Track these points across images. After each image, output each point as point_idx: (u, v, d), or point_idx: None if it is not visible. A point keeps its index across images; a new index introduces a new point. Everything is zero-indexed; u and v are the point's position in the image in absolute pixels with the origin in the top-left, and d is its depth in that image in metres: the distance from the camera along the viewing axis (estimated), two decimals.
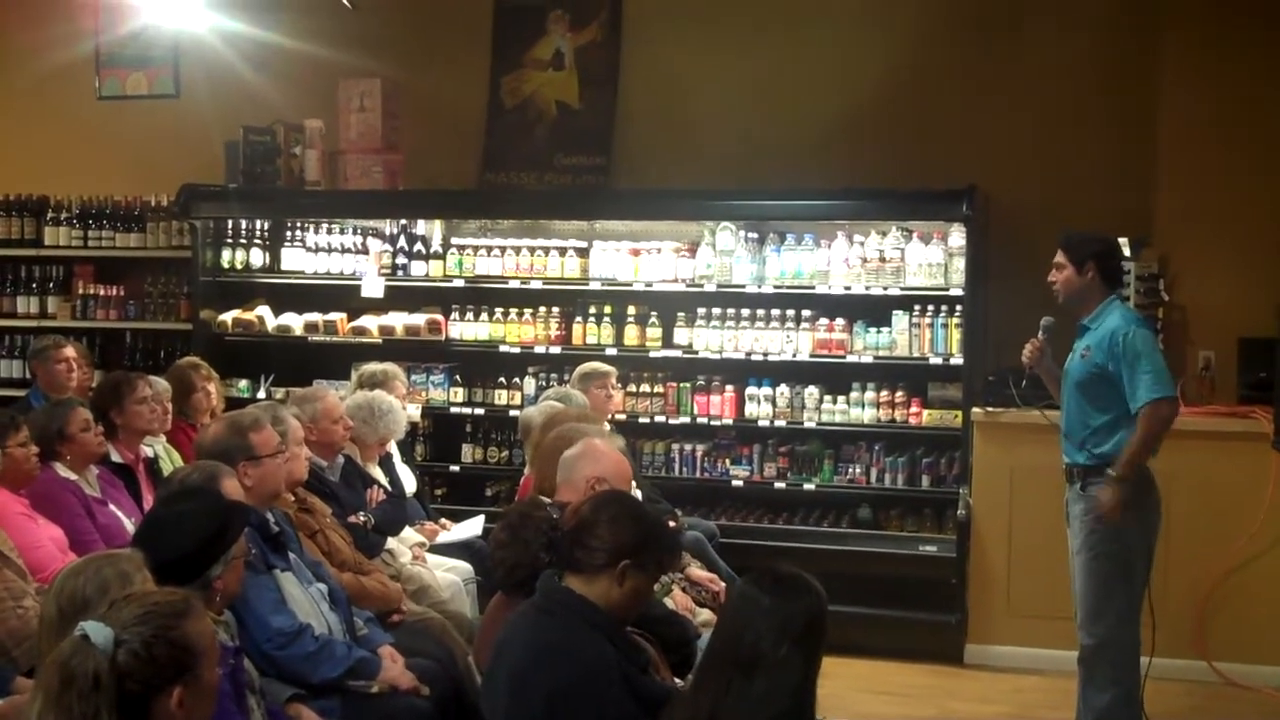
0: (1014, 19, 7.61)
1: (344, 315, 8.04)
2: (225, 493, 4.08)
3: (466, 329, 7.91)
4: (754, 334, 7.43)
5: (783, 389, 7.44)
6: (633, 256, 7.65)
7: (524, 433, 6.43)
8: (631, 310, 7.67)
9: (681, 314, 7.59)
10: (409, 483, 6.71)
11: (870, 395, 7.30)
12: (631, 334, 7.64)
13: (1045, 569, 6.27)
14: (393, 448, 6.62)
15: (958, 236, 7.12)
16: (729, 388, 7.54)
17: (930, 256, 7.18)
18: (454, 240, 8.03)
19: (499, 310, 7.88)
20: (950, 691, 6.56)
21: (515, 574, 4.06)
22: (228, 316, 8.08)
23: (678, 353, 7.59)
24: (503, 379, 7.88)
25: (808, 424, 7.39)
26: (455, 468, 7.97)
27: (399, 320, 7.98)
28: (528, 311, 7.84)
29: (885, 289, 7.22)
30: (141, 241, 8.60)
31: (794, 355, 7.39)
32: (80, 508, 5.23)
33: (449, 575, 6.01)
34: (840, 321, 7.33)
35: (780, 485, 7.46)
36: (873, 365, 7.31)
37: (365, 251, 8.09)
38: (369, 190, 8.21)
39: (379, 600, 5.13)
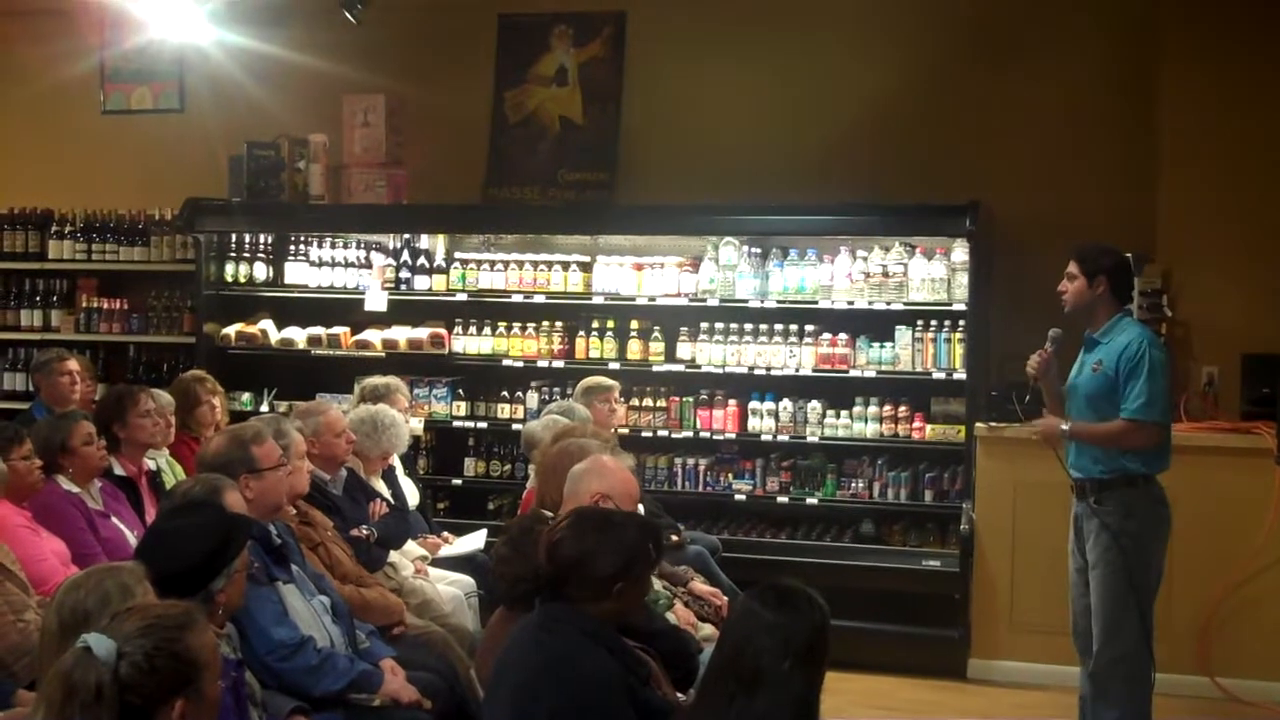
0: (1016, 36, 7.62)
1: (347, 329, 8.04)
2: (228, 505, 4.08)
3: (469, 343, 7.91)
4: (757, 348, 7.44)
5: (785, 403, 7.44)
6: (636, 271, 7.66)
7: (528, 447, 6.43)
8: (634, 325, 7.68)
9: (684, 328, 7.59)
10: (411, 496, 6.71)
11: (873, 410, 7.29)
12: (634, 348, 7.64)
13: (1048, 584, 6.25)
14: (395, 461, 6.62)
15: (960, 252, 7.12)
16: (732, 402, 7.54)
17: (933, 272, 7.19)
18: (457, 255, 8.04)
19: (502, 324, 7.88)
20: (954, 707, 6.54)
21: (517, 588, 4.05)
22: (231, 330, 8.10)
23: (680, 367, 7.59)
24: (505, 393, 7.89)
25: (810, 438, 7.39)
26: (457, 481, 7.96)
27: (402, 334, 7.99)
28: (531, 326, 7.85)
29: (888, 304, 7.23)
30: (145, 255, 8.62)
31: (797, 370, 7.39)
32: (83, 521, 5.23)
33: (451, 589, 6.01)
34: (843, 336, 7.33)
35: (783, 500, 7.46)
36: (876, 380, 7.31)
37: (369, 266, 8.10)
38: (373, 205, 8.22)
39: (381, 613, 5.13)
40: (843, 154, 7.72)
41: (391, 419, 6.34)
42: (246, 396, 8.06)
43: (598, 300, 7.71)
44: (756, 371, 7.44)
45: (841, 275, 7.34)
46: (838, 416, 7.37)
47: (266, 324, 8.14)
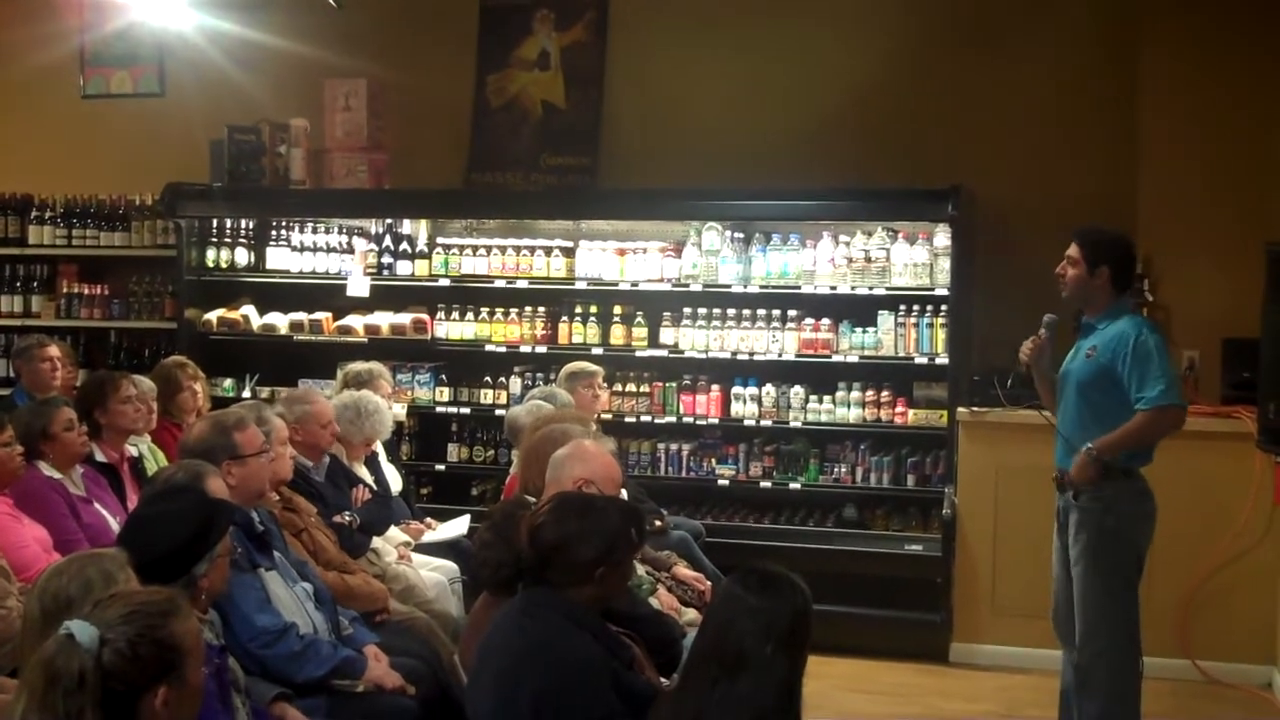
0: (997, 20, 7.62)
1: (329, 314, 8.02)
2: (210, 492, 4.07)
3: (452, 328, 7.90)
4: (740, 334, 7.44)
5: (768, 388, 7.45)
6: (619, 256, 7.65)
7: (511, 432, 6.43)
8: (617, 310, 7.67)
9: (667, 314, 7.59)
10: (394, 482, 6.71)
11: (856, 395, 7.31)
12: (617, 333, 7.64)
13: (1030, 568, 6.27)
14: (378, 447, 6.61)
15: (943, 237, 7.13)
16: (715, 387, 7.54)
17: (915, 256, 7.19)
18: (439, 240, 8.03)
19: (485, 310, 7.87)
20: (936, 690, 6.58)
21: (500, 573, 4.05)
22: (213, 316, 8.07)
23: (663, 352, 7.59)
24: (488, 378, 7.88)
25: (793, 423, 7.40)
26: (441, 467, 7.96)
27: (384, 319, 7.97)
28: (513, 311, 7.83)
29: (871, 289, 7.23)
30: (126, 240, 8.58)
31: (780, 355, 7.40)
32: (65, 507, 5.21)
33: (434, 574, 6.01)
34: (826, 321, 7.34)
35: (766, 484, 7.47)
36: (858, 365, 7.31)
37: (351, 251, 8.08)
38: (354, 189, 8.20)
39: (364, 600, 5.13)
40: (825, 138, 7.72)
41: (375, 405, 6.33)
42: (228, 382, 8.04)
43: (580, 285, 7.70)
44: (739, 357, 7.44)
45: (824, 260, 7.35)
46: (820, 401, 7.38)
47: (248, 309, 8.11)
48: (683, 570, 5.95)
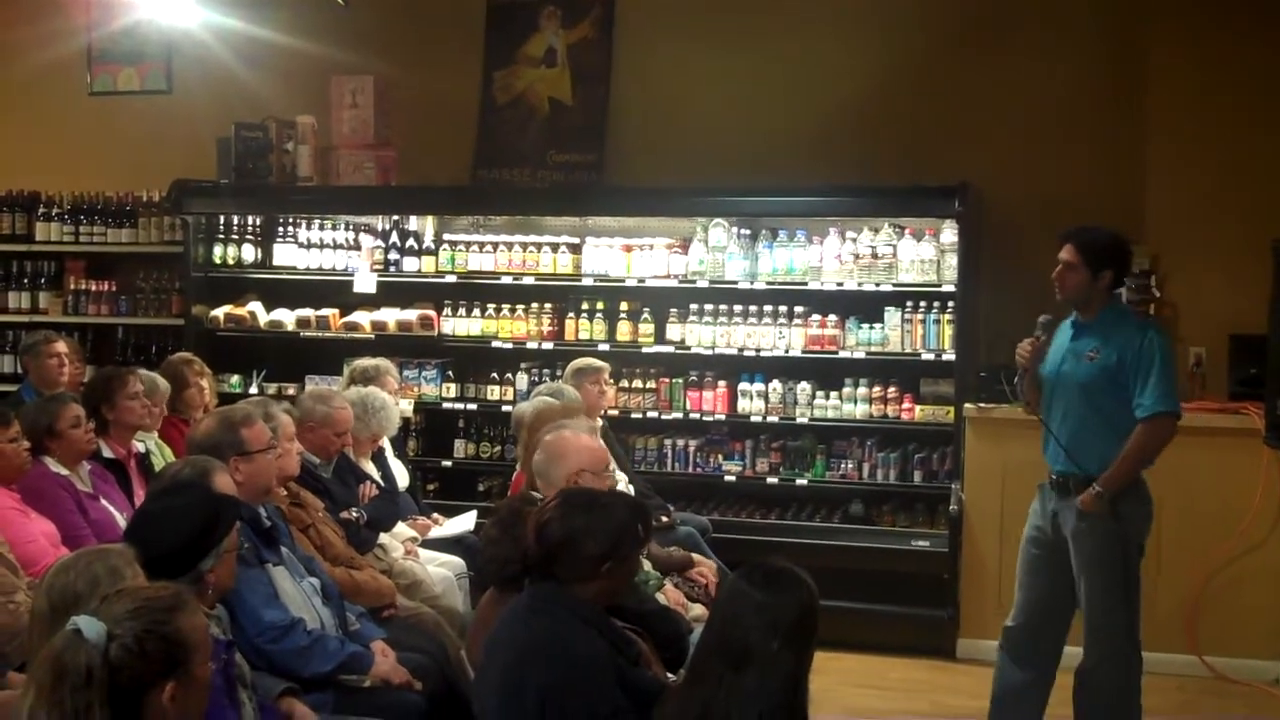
0: (1005, 18, 7.61)
1: (336, 311, 8.04)
2: (217, 487, 4.08)
3: (459, 324, 7.90)
4: (746, 330, 7.44)
5: (775, 384, 7.45)
6: (625, 253, 7.65)
7: (518, 428, 6.43)
8: (624, 306, 7.68)
9: (674, 310, 7.59)
10: (401, 478, 6.72)
11: (863, 391, 7.30)
12: (624, 330, 7.64)
13: None
14: (385, 443, 6.61)
15: (950, 233, 7.12)
16: (721, 383, 7.54)
17: (922, 253, 7.19)
18: (446, 236, 8.03)
19: (491, 306, 7.88)
20: (943, 686, 6.57)
21: (507, 569, 4.05)
22: (220, 312, 8.08)
23: (670, 348, 7.59)
24: (495, 374, 7.88)
25: (800, 419, 7.40)
26: (447, 463, 7.96)
27: (391, 316, 7.98)
28: (520, 307, 7.84)
29: (877, 285, 7.23)
30: (133, 237, 8.59)
31: (786, 351, 7.39)
32: (72, 502, 5.23)
33: (441, 570, 6.02)
34: (832, 317, 7.34)
35: (772, 480, 7.47)
36: (865, 361, 7.31)
37: (357, 247, 8.09)
38: (361, 186, 8.20)
39: (371, 595, 5.13)
40: (832, 135, 7.72)
41: (382, 401, 6.34)
42: (235, 379, 8.05)
43: (587, 282, 7.70)
44: (746, 353, 7.44)
45: (831, 256, 7.34)
46: (827, 397, 7.38)
47: (255, 306, 8.12)
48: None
